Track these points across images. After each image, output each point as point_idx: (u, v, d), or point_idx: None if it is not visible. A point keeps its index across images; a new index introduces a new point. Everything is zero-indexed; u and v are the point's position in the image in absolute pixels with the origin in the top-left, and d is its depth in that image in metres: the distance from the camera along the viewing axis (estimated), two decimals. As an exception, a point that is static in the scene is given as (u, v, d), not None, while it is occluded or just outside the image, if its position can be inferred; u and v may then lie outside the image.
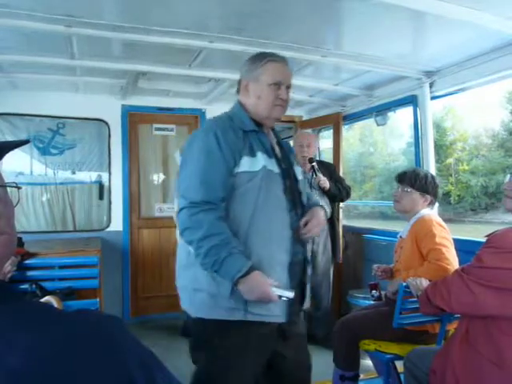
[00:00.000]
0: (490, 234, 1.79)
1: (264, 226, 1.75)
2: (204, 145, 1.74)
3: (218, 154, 1.71)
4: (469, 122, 31.29)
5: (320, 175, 3.86)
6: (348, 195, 4.13)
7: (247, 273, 1.63)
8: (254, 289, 1.65)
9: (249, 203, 1.74)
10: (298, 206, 1.90)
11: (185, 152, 1.85)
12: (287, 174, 1.89)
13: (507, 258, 1.66)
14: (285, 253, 1.80)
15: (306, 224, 1.85)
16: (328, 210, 3.82)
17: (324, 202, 3.88)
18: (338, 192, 3.96)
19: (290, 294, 1.68)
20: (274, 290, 1.66)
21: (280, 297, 1.67)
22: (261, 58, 1.87)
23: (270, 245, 1.76)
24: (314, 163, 3.88)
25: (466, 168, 28.41)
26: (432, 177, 2.69)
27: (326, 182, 3.84)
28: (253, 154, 1.77)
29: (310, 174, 3.90)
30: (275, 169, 1.81)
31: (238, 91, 1.97)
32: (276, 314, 1.78)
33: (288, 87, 1.88)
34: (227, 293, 1.69)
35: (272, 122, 1.92)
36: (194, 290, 1.78)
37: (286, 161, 1.93)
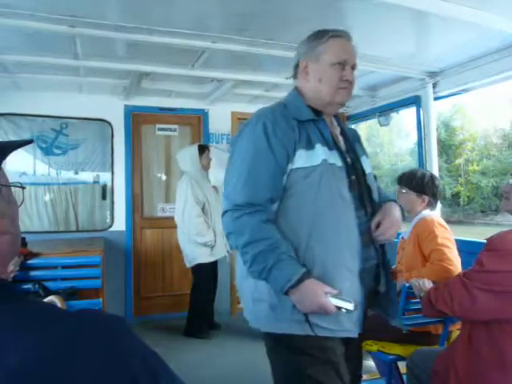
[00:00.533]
0: (490, 238, 1.79)
1: (328, 228, 1.51)
2: (251, 138, 1.55)
3: (267, 148, 1.51)
4: (478, 122, 30.96)
5: None
6: None
7: (299, 281, 1.42)
8: (306, 299, 1.44)
9: (307, 203, 1.51)
10: (368, 204, 1.64)
11: (232, 145, 1.66)
12: (353, 168, 1.64)
13: (509, 261, 1.66)
14: (355, 258, 1.55)
15: (378, 225, 1.61)
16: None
17: None
18: None
19: (350, 306, 1.44)
20: (332, 301, 1.43)
21: (339, 308, 1.44)
22: (322, 34, 1.63)
23: (339, 250, 1.52)
24: None
25: (476, 168, 27.99)
26: (431, 177, 2.66)
27: None
28: (310, 147, 1.53)
29: None
30: (338, 162, 1.57)
31: (294, 76, 1.74)
32: (347, 329, 1.55)
33: (353, 67, 1.63)
34: (290, 302, 1.48)
35: (335, 108, 1.69)
36: (254, 300, 1.59)
37: (351, 153, 1.68)
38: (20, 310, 0.67)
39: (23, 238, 3.38)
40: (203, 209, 4.12)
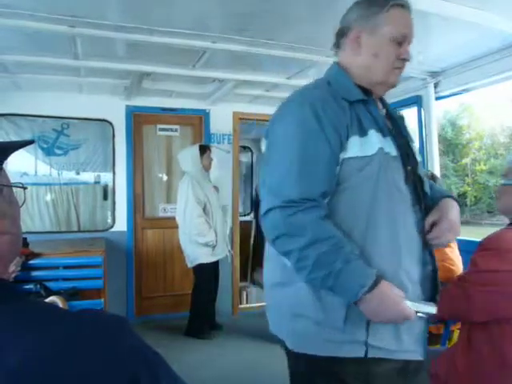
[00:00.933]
0: (486, 238, 1.78)
1: (386, 228, 1.30)
2: (297, 121, 1.30)
3: (319, 133, 1.26)
4: (484, 121, 30.52)
5: None
6: None
7: (374, 285, 1.18)
8: (384, 306, 1.20)
9: (364, 199, 1.29)
10: (422, 199, 1.40)
11: (271, 132, 1.39)
12: (407, 157, 1.40)
13: (509, 260, 1.65)
14: (416, 264, 1.34)
15: (432, 225, 1.38)
16: None
17: None
18: None
19: (432, 309, 1.26)
20: (409, 304, 1.23)
21: (416, 313, 1.24)
22: (381, 0, 1.36)
23: (398, 253, 1.30)
24: None
25: (484, 168, 27.55)
26: (432, 177, 2.66)
27: None
28: (363, 133, 1.31)
29: None
30: (393, 151, 1.34)
31: (336, 45, 1.48)
32: (408, 349, 1.32)
33: (409, 43, 1.41)
34: (340, 319, 1.26)
35: (385, 89, 1.45)
36: (294, 315, 1.33)
37: (401, 139, 1.43)
38: (20, 310, 0.67)
39: (24, 239, 3.39)
40: (204, 209, 4.13)
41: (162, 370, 0.70)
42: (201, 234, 4.05)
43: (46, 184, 4.70)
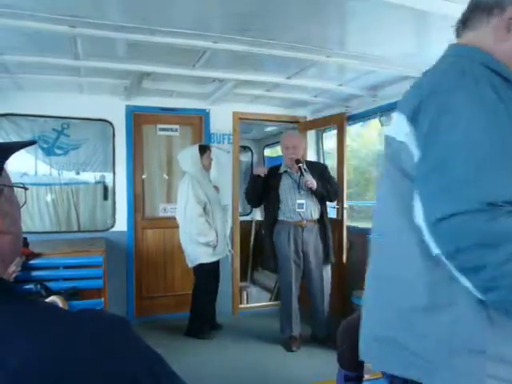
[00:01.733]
0: None
1: None
2: (479, 100, 1.03)
3: (508, 117, 1.02)
4: None
5: (307, 176, 3.89)
6: (336, 195, 4.15)
7: None
8: None
9: None
10: None
11: (431, 109, 1.07)
12: None
13: None
14: None
15: None
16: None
17: (312, 202, 3.94)
18: (326, 192, 3.98)
19: None
20: None
21: None
22: None
23: None
24: (301, 164, 3.93)
25: None
26: None
27: (312, 183, 3.88)
28: None
29: (298, 174, 3.95)
30: None
31: (463, 22, 1.29)
32: None
33: None
34: None
35: None
36: (453, 350, 1.06)
37: None
38: (20, 310, 0.67)
39: (25, 239, 3.39)
40: (205, 209, 4.13)
41: (162, 369, 0.70)
42: (201, 233, 4.06)
43: (46, 184, 4.70)
